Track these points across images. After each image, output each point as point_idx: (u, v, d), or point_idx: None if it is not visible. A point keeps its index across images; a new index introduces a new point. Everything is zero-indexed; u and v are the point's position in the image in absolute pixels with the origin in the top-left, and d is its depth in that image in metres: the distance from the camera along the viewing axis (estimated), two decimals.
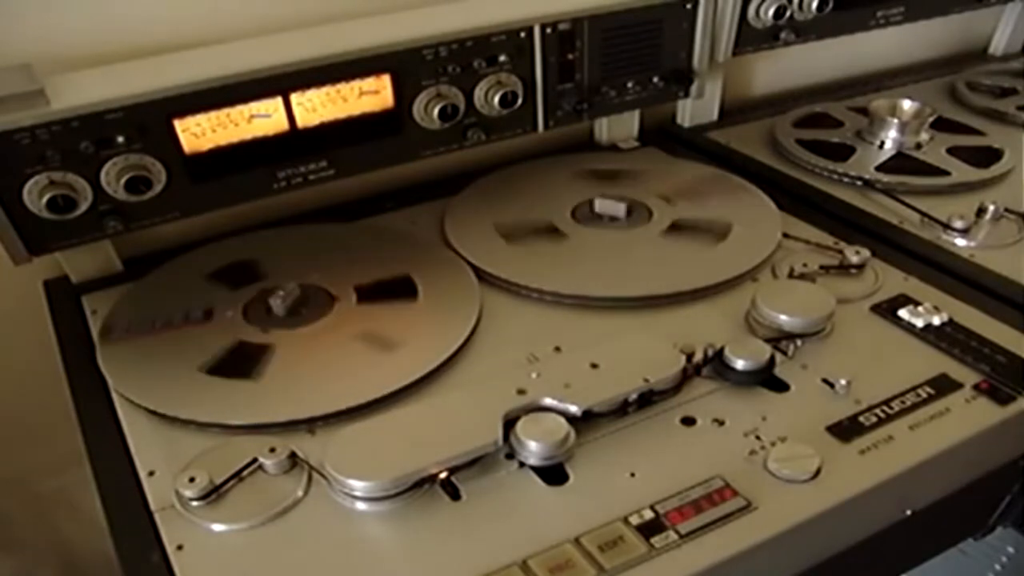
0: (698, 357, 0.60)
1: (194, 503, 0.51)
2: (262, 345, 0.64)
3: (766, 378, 0.59)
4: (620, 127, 0.99)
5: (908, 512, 0.58)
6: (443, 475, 0.51)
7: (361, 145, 0.77)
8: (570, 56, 0.82)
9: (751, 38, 0.95)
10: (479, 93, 0.79)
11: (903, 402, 0.58)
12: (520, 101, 0.80)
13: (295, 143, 0.74)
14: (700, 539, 0.48)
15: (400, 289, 0.71)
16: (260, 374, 0.61)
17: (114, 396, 0.61)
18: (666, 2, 0.84)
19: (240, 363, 0.62)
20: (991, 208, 0.76)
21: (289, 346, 0.64)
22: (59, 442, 0.79)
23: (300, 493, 0.52)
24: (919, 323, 0.65)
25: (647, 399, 0.57)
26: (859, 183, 0.87)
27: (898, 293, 0.69)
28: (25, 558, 0.98)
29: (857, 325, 0.66)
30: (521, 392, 0.54)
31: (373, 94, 0.75)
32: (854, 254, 0.72)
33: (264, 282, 0.72)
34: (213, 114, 0.69)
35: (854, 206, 0.83)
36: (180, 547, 0.49)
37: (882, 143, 0.93)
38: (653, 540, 0.48)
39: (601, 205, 0.81)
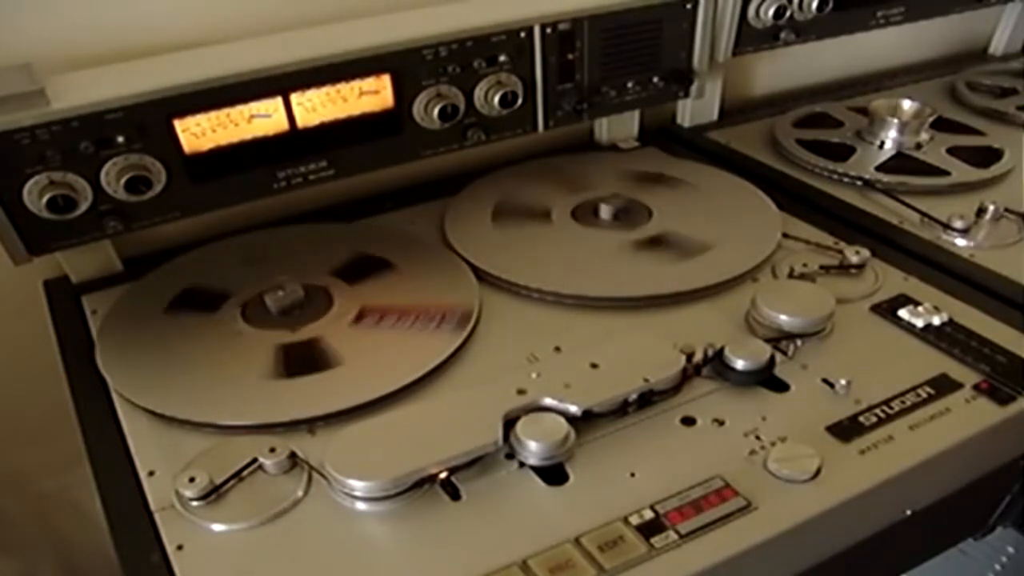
0: (698, 357, 0.59)
1: (194, 503, 0.51)
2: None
3: (766, 378, 0.59)
4: (620, 127, 0.99)
5: (908, 512, 0.58)
6: (443, 475, 0.51)
7: (361, 145, 0.77)
8: (570, 56, 0.82)
9: (751, 38, 0.95)
10: (479, 93, 0.79)
11: (903, 402, 0.58)
12: (520, 101, 0.80)
13: (295, 143, 0.74)
14: (700, 539, 0.48)
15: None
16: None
17: (114, 396, 0.61)
18: (666, 2, 0.84)
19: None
20: (991, 208, 0.76)
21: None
22: (59, 442, 0.79)
23: (300, 493, 0.52)
24: (919, 323, 0.65)
25: (647, 399, 0.57)
26: (859, 183, 0.86)
27: (898, 293, 0.69)
28: (25, 558, 0.98)
29: (857, 325, 0.66)
30: (521, 392, 0.54)
31: (373, 94, 0.75)
32: (854, 254, 0.72)
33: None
34: (213, 114, 0.69)
35: (854, 206, 0.83)
36: (180, 547, 0.49)
37: (882, 143, 0.93)
38: (653, 540, 0.48)
39: (603, 208, 0.81)
